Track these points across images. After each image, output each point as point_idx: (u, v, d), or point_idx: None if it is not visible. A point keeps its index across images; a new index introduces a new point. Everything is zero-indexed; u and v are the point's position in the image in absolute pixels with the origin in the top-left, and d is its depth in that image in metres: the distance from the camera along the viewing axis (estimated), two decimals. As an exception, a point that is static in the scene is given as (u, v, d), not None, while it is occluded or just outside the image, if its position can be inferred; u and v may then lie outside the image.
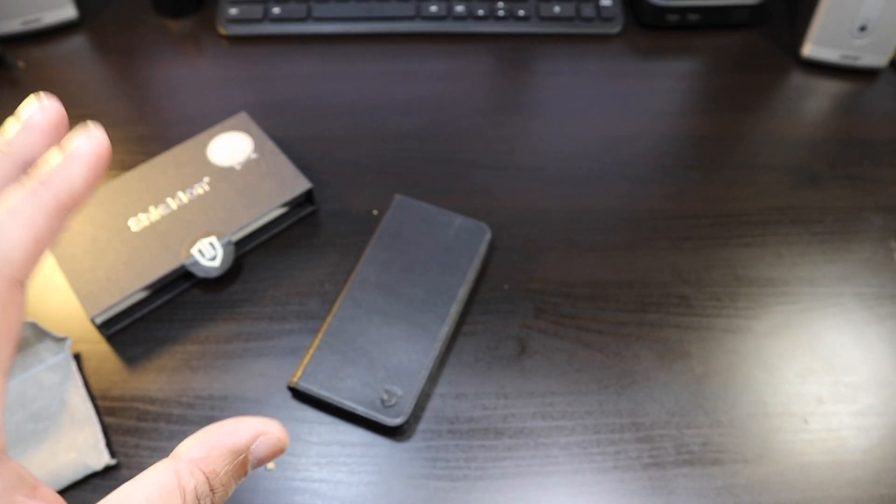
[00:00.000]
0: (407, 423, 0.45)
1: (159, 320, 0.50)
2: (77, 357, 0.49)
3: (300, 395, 0.47)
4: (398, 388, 0.45)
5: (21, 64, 0.66)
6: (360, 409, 0.45)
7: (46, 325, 0.47)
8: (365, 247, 0.52)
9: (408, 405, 0.45)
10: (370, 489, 0.44)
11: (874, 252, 0.54)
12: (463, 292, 0.49)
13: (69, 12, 0.67)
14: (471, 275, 0.50)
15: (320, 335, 0.47)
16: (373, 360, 0.46)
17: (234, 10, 0.68)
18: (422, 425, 0.46)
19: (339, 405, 0.45)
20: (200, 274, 0.50)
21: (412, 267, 0.50)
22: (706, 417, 0.46)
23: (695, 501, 0.43)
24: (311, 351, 0.47)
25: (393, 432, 0.45)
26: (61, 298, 0.51)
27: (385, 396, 0.45)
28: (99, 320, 0.48)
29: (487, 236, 0.52)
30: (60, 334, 0.47)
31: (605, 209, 0.56)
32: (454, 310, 0.49)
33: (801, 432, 0.46)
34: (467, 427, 0.46)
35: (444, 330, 0.48)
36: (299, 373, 0.46)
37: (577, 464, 0.44)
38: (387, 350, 0.47)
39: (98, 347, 0.49)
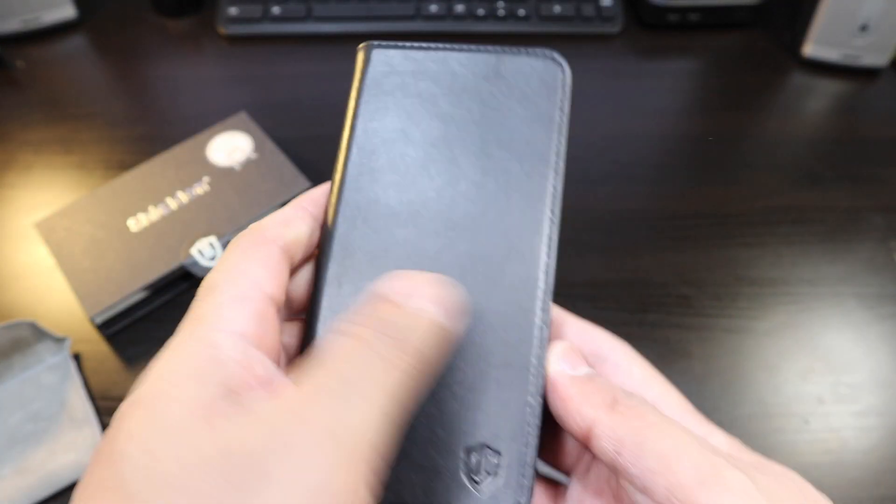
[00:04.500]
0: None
1: (159, 320, 0.50)
2: (76, 357, 0.48)
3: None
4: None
5: (20, 63, 0.66)
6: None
7: (46, 325, 0.47)
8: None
9: None
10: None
11: (874, 252, 0.54)
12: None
13: (69, 12, 0.67)
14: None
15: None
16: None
17: (233, 10, 0.68)
18: (422, 425, 0.46)
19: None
20: (200, 274, 0.50)
21: None
22: (707, 417, 0.46)
23: (695, 502, 0.43)
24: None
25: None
26: (61, 298, 0.51)
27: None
28: (98, 320, 0.48)
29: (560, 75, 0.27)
30: (60, 334, 0.47)
31: (606, 209, 0.56)
32: None
33: (801, 432, 0.46)
34: (467, 427, 0.46)
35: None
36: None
37: (577, 464, 0.44)
38: None
39: (98, 347, 0.49)
